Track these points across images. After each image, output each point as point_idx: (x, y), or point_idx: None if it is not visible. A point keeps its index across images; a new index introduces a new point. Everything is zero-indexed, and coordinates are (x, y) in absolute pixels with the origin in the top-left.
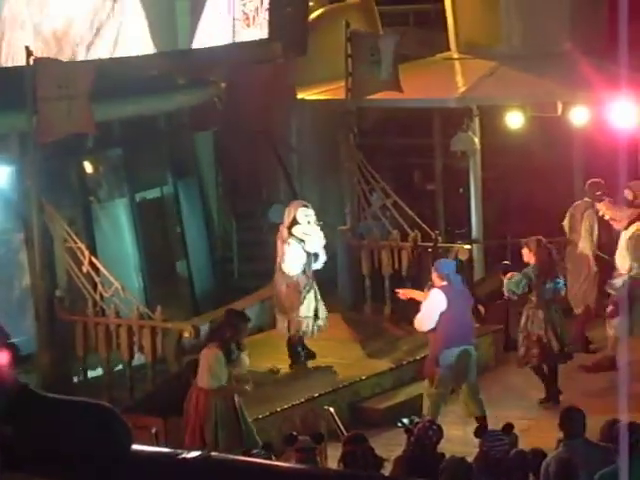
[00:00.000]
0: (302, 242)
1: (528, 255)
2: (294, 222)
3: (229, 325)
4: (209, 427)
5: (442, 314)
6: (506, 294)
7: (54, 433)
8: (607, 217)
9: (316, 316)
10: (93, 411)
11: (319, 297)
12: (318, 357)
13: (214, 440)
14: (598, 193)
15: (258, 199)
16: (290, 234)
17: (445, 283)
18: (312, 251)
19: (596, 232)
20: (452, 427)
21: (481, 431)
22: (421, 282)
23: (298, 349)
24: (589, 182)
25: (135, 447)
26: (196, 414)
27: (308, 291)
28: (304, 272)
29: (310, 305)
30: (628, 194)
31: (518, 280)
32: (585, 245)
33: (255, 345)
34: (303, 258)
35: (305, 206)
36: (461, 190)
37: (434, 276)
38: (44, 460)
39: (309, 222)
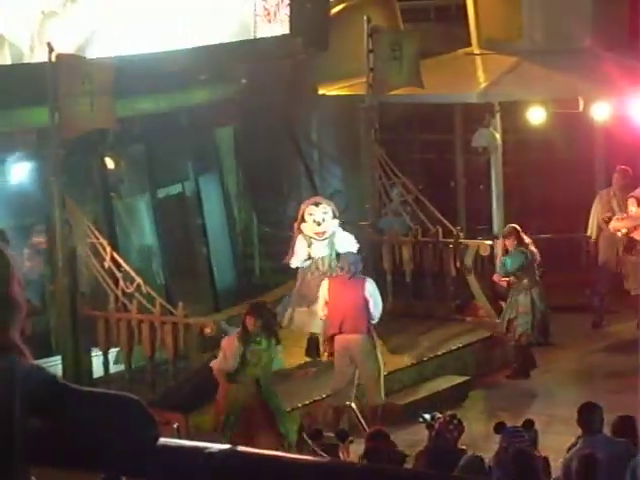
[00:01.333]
0: (310, 239)
1: (511, 243)
2: (302, 220)
3: (251, 315)
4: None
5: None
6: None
7: (82, 426)
8: (623, 232)
9: None
10: (121, 403)
11: None
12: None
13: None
14: (623, 182)
15: (279, 195)
16: (300, 231)
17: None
18: (317, 254)
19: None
20: (474, 423)
21: (500, 427)
22: (443, 277)
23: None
24: (617, 169)
25: (161, 440)
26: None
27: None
28: (317, 269)
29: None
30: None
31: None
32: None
33: None
34: (303, 255)
35: (316, 204)
36: (481, 187)
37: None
38: (72, 453)
39: (314, 221)
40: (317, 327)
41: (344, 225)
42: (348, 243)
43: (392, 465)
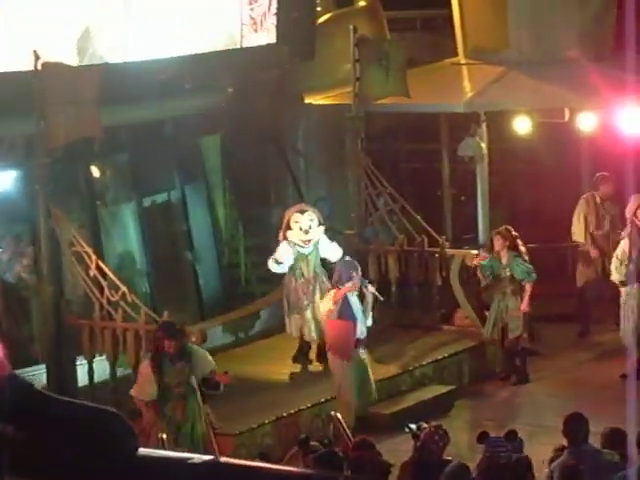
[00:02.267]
0: (295, 246)
1: (502, 244)
2: (287, 227)
3: (169, 338)
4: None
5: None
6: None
7: (58, 435)
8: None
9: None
10: (98, 414)
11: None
12: (325, 361)
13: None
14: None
15: (266, 204)
16: (285, 237)
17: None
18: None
19: (593, 221)
20: (460, 433)
21: (484, 437)
22: (429, 287)
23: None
24: (597, 176)
25: (143, 451)
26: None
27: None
28: (302, 276)
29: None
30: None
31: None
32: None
33: (262, 350)
34: (289, 261)
35: (301, 212)
36: (463, 197)
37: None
38: (47, 462)
39: (301, 228)
40: (312, 333)
41: (329, 233)
42: (332, 250)
43: (376, 476)
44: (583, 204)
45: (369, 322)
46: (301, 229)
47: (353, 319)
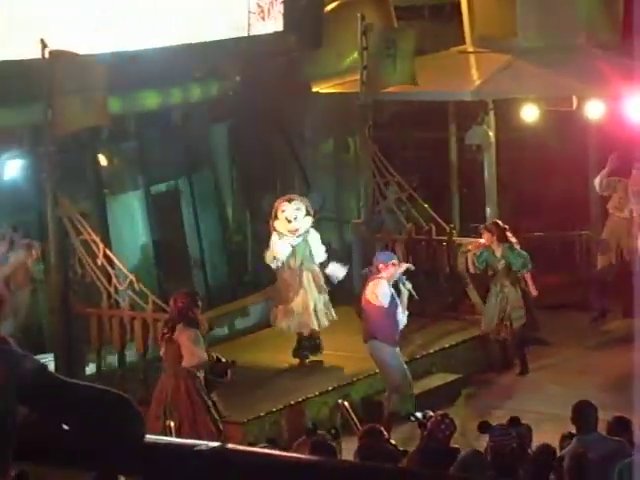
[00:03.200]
0: (283, 237)
1: (490, 238)
2: (275, 217)
3: (193, 304)
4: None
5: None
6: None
7: (69, 418)
8: None
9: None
10: (109, 398)
11: (314, 294)
12: (332, 350)
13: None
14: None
15: (272, 192)
16: (274, 228)
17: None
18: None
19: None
20: (467, 421)
21: (485, 426)
22: (436, 275)
23: (303, 343)
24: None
25: (150, 438)
26: (191, 401)
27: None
28: (289, 267)
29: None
30: None
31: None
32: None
33: (269, 338)
34: (286, 252)
35: (288, 201)
36: (465, 190)
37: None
38: (57, 448)
39: (286, 218)
40: (297, 326)
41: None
42: (319, 249)
43: (386, 463)
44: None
45: (404, 320)
46: (286, 219)
47: (396, 306)
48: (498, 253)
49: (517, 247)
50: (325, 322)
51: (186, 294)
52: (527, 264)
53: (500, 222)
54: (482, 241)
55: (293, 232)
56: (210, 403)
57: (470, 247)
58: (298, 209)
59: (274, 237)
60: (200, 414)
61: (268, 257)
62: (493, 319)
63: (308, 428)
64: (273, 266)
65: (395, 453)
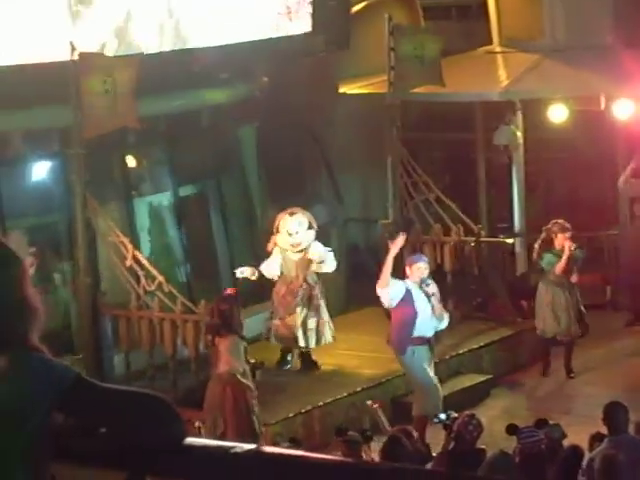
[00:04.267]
0: (285, 252)
1: (563, 239)
2: (277, 231)
3: (234, 308)
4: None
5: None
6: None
7: (108, 423)
8: None
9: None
10: (148, 401)
11: (310, 311)
12: (361, 352)
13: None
14: None
15: (300, 193)
16: (274, 243)
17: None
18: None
19: None
20: (496, 422)
21: (512, 428)
22: (464, 276)
23: (286, 357)
24: None
25: (187, 440)
26: (235, 406)
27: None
28: (291, 282)
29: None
30: None
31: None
32: None
33: None
34: (276, 270)
35: (291, 214)
36: (493, 191)
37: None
38: (96, 450)
39: (288, 232)
40: (294, 341)
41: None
42: (326, 260)
43: (415, 464)
44: None
45: (442, 324)
46: (288, 233)
47: (414, 312)
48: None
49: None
50: (313, 343)
51: (227, 298)
52: (550, 263)
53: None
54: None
55: (295, 246)
56: (255, 408)
57: (569, 245)
58: (300, 223)
59: (275, 252)
60: (242, 418)
61: (263, 269)
62: (546, 319)
63: (338, 429)
64: (270, 276)
65: (424, 455)
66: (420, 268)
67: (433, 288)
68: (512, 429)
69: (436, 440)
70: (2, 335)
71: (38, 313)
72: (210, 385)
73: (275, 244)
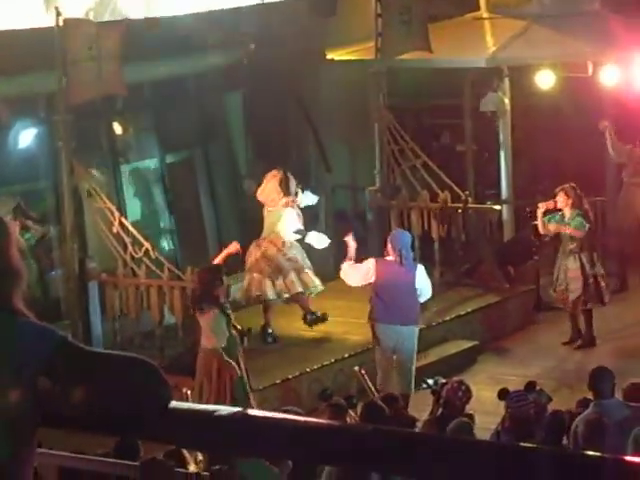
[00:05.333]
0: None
1: (565, 201)
2: (296, 193)
3: (216, 281)
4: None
5: (374, 285)
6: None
7: (95, 386)
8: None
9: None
10: (134, 365)
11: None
12: (349, 318)
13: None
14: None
15: (287, 160)
16: (294, 203)
17: (390, 258)
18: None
19: None
20: (483, 388)
21: (504, 393)
22: (452, 242)
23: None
24: None
25: (172, 404)
26: (219, 378)
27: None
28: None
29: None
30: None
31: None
32: None
33: (284, 305)
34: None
35: (287, 176)
36: (486, 154)
37: (388, 247)
38: (83, 414)
39: (296, 192)
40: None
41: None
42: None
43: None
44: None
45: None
46: (296, 193)
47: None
48: (567, 218)
49: (588, 215)
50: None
51: (208, 270)
52: (583, 226)
53: (576, 187)
54: (558, 202)
55: (298, 205)
56: (243, 374)
57: (541, 206)
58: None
59: (293, 213)
60: (226, 388)
61: (292, 235)
62: (554, 285)
63: (322, 392)
64: (297, 237)
65: (411, 419)
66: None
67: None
68: (503, 394)
69: (422, 406)
70: None
71: (21, 275)
72: (199, 353)
73: (294, 204)
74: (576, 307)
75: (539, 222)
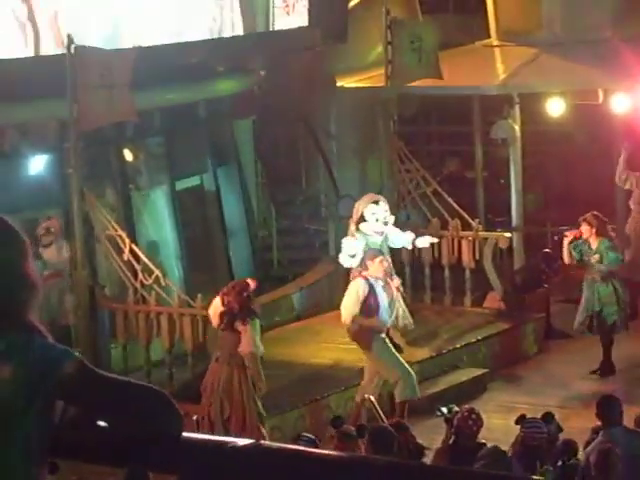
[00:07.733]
0: (367, 237)
1: (589, 230)
2: (361, 219)
3: (252, 294)
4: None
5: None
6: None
7: (106, 412)
8: None
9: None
10: (148, 394)
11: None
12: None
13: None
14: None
15: (298, 187)
16: (357, 229)
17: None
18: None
19: None
20: (493, 415)
21: (521, 419)
22: (462, 269)
23: None
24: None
25: (184, 434)
26: (241, 390)
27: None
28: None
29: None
30: None
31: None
32: None
33: (295, 333)
34: (359, 253)
35: (375, 202)
36: (502, 180)
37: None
38: (95, 444)
39: (377, 220)
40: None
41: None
42: (401, 239)
43: (411, 459)
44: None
45: (392, 318)
46: (378, 220)
47: (377, 305)
48: (594, 246)
49: (614, 243)
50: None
51: (240, 285)
52: (619, 260)
53: (599, 214)
54: (583, 232)
55: (380, 233)
56: (257, 397)
57: (568, 235)
58: (387, 210)
59: (359, 239)
60: (249, 404)
61: (345, 259)
62: (582, 313)
63: (334, 420)
64: (352, 265)
65: (420, 448)
66: (382, 261)
67: (397, 282)
68: (520, 420)
69: (432, 435)
70: (2, 309)
71: (38, 289)
72: (214, 368)
73: (357, 230)
74: (606, 332)
75: (565, 251)
